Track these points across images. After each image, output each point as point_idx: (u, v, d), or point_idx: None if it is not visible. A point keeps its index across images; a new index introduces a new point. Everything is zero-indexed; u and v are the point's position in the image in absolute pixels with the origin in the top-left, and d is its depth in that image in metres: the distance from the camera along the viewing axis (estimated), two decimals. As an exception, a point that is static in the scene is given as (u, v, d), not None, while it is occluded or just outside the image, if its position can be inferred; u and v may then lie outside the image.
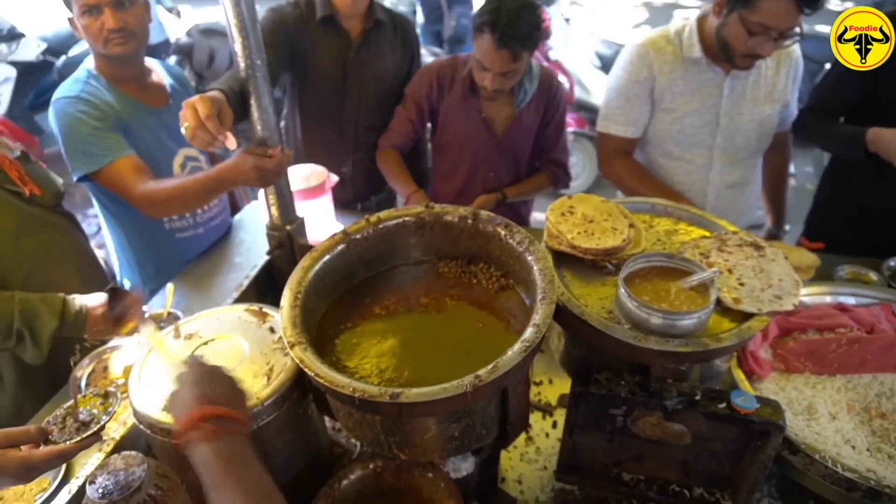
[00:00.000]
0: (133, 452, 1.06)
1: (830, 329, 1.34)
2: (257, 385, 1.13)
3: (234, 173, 1.56)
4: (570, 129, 4.41)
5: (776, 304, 1.09)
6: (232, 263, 1.99)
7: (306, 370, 1.01)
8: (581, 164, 4.68)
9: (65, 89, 1.77)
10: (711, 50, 1.78)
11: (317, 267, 1.24)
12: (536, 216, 2.78)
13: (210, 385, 0.92)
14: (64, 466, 1.30)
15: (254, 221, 2.21)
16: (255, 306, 1.33)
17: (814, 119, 1.90)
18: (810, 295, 1.49)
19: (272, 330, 1.25)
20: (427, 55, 4.43)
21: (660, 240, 1.30)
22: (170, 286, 1.69)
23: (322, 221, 1.93)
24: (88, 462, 1.20)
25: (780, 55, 1.84)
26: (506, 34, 1.77)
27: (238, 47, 1.43)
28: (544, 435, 1.47)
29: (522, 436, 1.47)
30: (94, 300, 1.51)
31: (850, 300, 1.46)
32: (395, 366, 1.11)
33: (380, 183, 2.36)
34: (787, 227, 2.21)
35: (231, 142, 1.44)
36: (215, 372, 0.95)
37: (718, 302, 1.12)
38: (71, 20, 1.77)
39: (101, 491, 0.98)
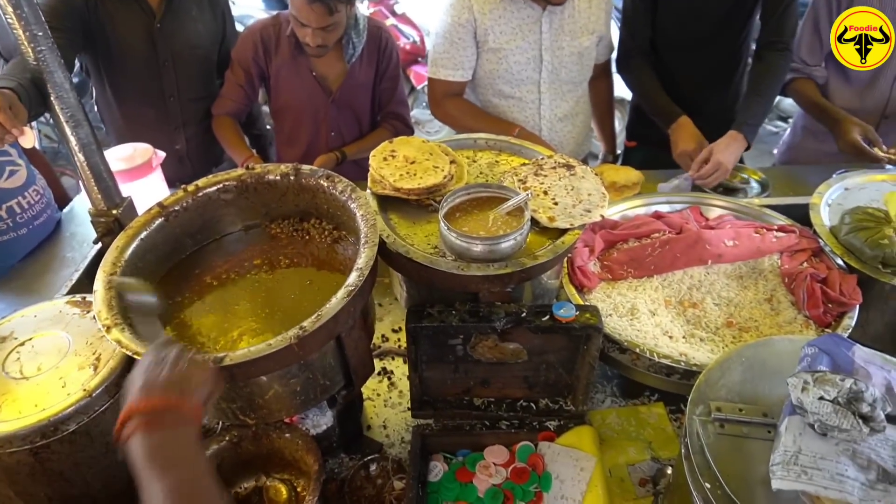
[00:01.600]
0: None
1: (647, 235, 1.46)
2: (84, 376, 1.07)
3: None
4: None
5: (586, 217, 1.17)
6: (62, 259, 1.84)
7: (125, 351, 0.96)
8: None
9: None
10: None
11: (133, 245, 1.17)
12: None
13: (156, 373, 0.82)
14: None
15: (84, 212, 2.05)
16: (78, 297, 1.25)
17: (636, 70, 2.10)
18: (632, 208, 1.61)
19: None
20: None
21: (482, 173, 1.34)
22: None
23: (156, 201, 1.82)
24: None
25: None
26: None
27: (12, 20, 1.29)
28: (406, 379, 1.50)
29: (385, 382, 1.50)
30: None
31: (665, 207, 1.59)
32: (229, 332, 1.09)
33: (219, 154, 2.25)
34: (619, 151, 2.36)
35: (27, 138, 1.32)
36: (171, 357, 0.85)
37: (536, 223, 1.18)
38: None
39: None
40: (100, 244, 1.62)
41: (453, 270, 1.08)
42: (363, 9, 4.90)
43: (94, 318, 1.17)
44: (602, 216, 1.18)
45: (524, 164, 1.33)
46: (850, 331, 1.24)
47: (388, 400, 1.45)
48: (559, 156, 1.33)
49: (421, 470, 1.19)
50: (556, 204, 1.20)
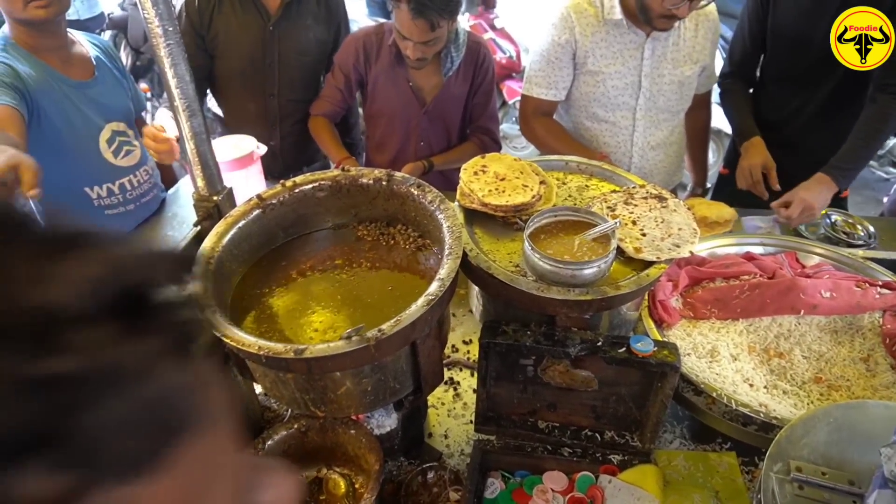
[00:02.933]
0: None
1: (736, 277, 1.40)
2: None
3: None
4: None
5: (674, 252, 1.14)
6: (163, 238, 1.97)
7: (215, 331, 1.02)
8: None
9: None
10: (631, 12, 1.81)
11: (231, 232, 1.24)
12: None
13: None
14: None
15: (187, 195, 2.18)
16: (176, 276, 1.33)
17: (730, 92, 2.05)
18: (722, 246, 1.55)
19: (191, 297, 1.25)
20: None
21: (571, 196, 1.34)
22: None
23: (253, 192, 1.92)
24: None
25: (699, 17, 1.88)
26: (421, 3, 1.77)
27: (149, 14, 1.40)
28: (472, 391, 1.51)
29: (451, 392, 1.51)
30: None
31: (758, 249, 1.53)
32: (309, 326, 1.14)
33: (313, 154, 2.34)
34: (709, 185, 2.28)
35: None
36: None
37: (621, 252, 1.16)
38: None
39: None
40: (199, 227, 1.72)
41: (533, 291, 1.08)
42: (463, 22, 4.98)
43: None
44: (691, 252, 1.15)
45: (614, 192, 1.31)
46: (954, 404, 1.15)
47: (451, 410, 1.47)
48: (651, 186, 1.30)
49: (478, 484, 1.19)
50: (643, 235, 1.18)
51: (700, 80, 1.98)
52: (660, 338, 1.32)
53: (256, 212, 1.29)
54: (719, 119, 2.27)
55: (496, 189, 1.27)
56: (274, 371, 1.07)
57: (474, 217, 1.27)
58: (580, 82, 1.92)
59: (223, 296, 1.16)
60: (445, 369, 1.57)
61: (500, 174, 1.31)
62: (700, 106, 2.10)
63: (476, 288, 1.34)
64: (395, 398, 1.15)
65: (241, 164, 1.85)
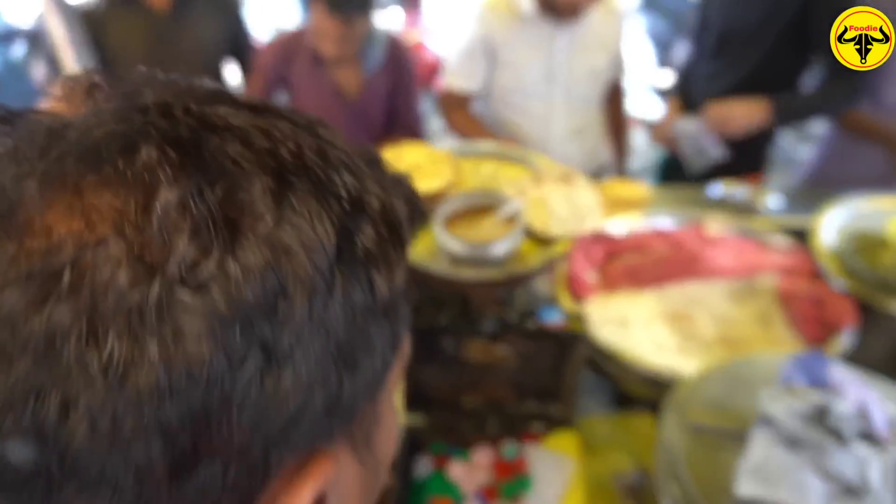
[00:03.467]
0: None
1: (647, 249, 1.47)
2: None
3: None
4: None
5: (579, 227, 1.20)
6: None
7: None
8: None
9: None
10: (542, 4, 1.88)
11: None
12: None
13: None
14: None
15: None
16: None
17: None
18: (634, 222, 1.63)
19: None
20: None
21: (484, 181, 1.39)
22: None
23: None
24: None
25: (607, 7, 1.96)
26: (335, 0, 1.80)
27: (54, 25, 1.39)
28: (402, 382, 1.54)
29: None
30: None
31: (667, 223, 1.61)
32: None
33: None
34: (637, 167, 2.38)
35: None
36: None
37: (531, 231, 1.22)
38: None
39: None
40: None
41: (445, 273, 1.12)
42: (392, 18, 5.00)
43: None
44: (596, 227, 1.21)
45: (525, 175, 1.37)
46: (841, 352, 1.24)
47: (385, 398, 1.50)
48: (559, 167, 1.36)
49: (408, 466, 1.23)
50: (552, 214, 1.24)
51: (611, 69, 2.06)
52: (576, 312, 1.38)
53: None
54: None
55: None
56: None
57: (390, 206, 1.31)
58: (497, 75, 1.98)
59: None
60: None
61: (415, 163, 1.35)
62: (615, 94, 2.19)
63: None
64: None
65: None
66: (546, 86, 1.97)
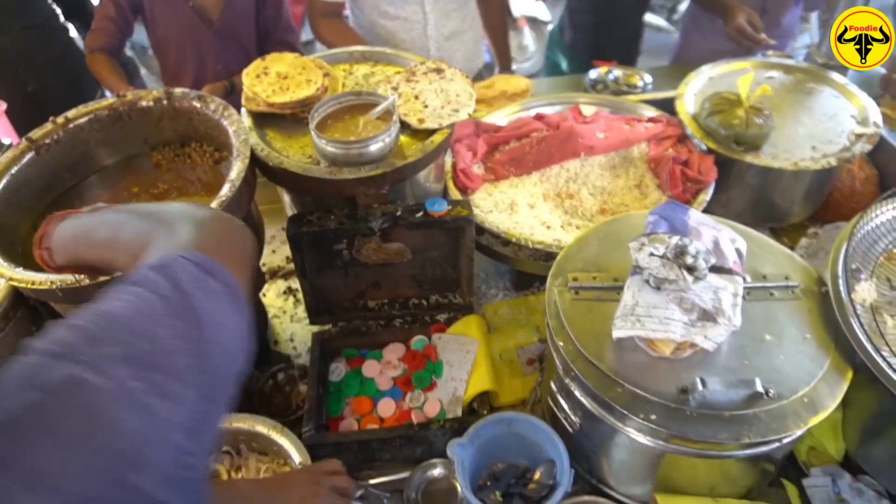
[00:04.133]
0: None
1: (527, 135, 1.52)
2: (-32, 314, 1.07)
3: None
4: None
5: (454, 117, 1.22)
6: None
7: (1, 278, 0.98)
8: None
9: None
10: None
11: (4, 180, 1.16)
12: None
13: None
14: None
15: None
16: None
17: None
18: (515, 112, 1.67)
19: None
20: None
21: (358, 83, 1.37)
22: None
23: None
24: None
25: None
26: None
27: None
28: (311, 294, 1.56)
29: (291, 300, 1.55)
30: None
31: (548, 109, 1.66)
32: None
33: (91, 94, 2.18)
34: (514, 67, 2.39)
35: None
36: None
37: (406, 126, 1.23)
38: None
39: None
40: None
41: (326, 176, 1.12)
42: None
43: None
44: (469, 115, 1.23)
45: (398, 73, 1.36)
46: (705, 206, 1.35)
47: (293, 315, 1.51)
48: (431, 62, 1.36)
49: (322, 371, 1.26)
50: (426, 107, 1.24)
51: None
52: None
53: (29, 155, 1.20)
54: (535, 7, 2.35)
55: (280, 88, 1.27)
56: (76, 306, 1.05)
57: (265, 120, 1.27)
58: None
59: (14, 248, 1.10)
60: (281, 280, 1.60)
61: (283, 73, 1.30)
62: None
63: (286, 194, 1.36)
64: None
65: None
66: None
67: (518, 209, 1.40)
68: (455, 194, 1.43)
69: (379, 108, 1.19)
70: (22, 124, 1.65)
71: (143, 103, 1.27)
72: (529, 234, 1.34)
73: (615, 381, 0.91)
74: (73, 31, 2.37)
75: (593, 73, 2.00)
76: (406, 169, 1.16)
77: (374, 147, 1.13)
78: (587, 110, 1.63)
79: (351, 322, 1.34)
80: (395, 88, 1.29)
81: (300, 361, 1.40)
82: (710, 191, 1.38)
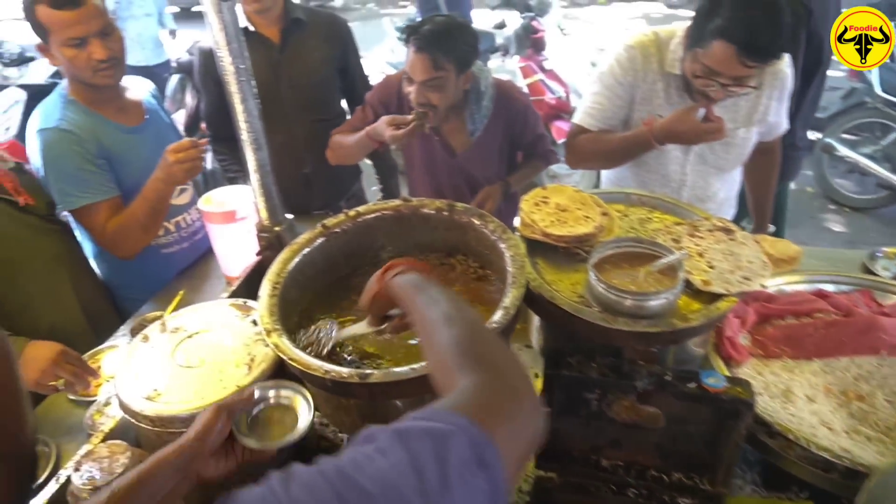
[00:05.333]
0: (118, 441, 1.09)
1: (808, 314, 1.35)
2: (239, 374, 1.15)
3: (164, 174, 1.70)
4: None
5: (744, 285, 1.11)
6: (218, 271, 2.01)
7: (281, 354, 1.04)
8: (579, 173, 4.69)
9: (44, 118, 1.74)
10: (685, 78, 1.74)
11: (296, 259, 1.27)
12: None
13: None
14: (54, 457, 1.33)
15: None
16: (240, 301, 1.36)
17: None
18: (790, 283, 1.49)
19: (255, 323, 1.27)
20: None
21: (633, 228, 1.32)
22: (181, 292, 1.78)
23: (232, 249, 1.90)
24: (77, 454, 1.22)
25: (765, 77, 1.75)
26: (425, 38, 1.79)
27: (223, 53, 1.47)
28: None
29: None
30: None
31: (830, 287, 1.46)
32: (372, 354, 1.14)
33: (347, 181, 2.42)
34: (771, 228, 2.19)
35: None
36: None
37: (689, 285, 1.14)
38: (41, 46, 1.70)
39: (85, 477, 1.01)
40: (261, 257, 1.77)
41: (599, 322, 1.06)
42: (513, 64, 5.05)
43: (252, 321, 1.28)
44: (762, 286, 1.11)
45: (678, 224, 1.29)
46: None
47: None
48: (717, 219, 1.27)
49: (538, 524, 1.15)
50: (711, 268, 1.15)
51: (762, 134, 1.89)
52: (728, 375, 1.27)
53: (320, 240, 1.31)
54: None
55: (558, 220, 1.26)
56: (337, 397, 1.07)
57: (536, 248, 1.27)
58: (632, 126, 1.87)
59: (289, 322, 1.18)
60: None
61: (562, 205, 1.30)
62: (765, 152, 1.99)
63: (537, 321, 1.32)
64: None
65: (224, 220, 1.84)
66: (681, 151, 1.83)
67: (794, 399, 1.21)
68: (717, 362, 1.28)
69: (664, 261, 1.12)
70: (289, 204, 1.84)
71: (426, 210, 1.34)
72: (810, 433, 1.14)
73: None
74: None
75: (879, 253, 1.76)
76: (686, 332, 1.06)
77: (656, 303, 1.06)
78: (884, 298, 1.41)
79: (578, 476, 1.23)
80: (676, 241, 1.22)
81: (508, 500, 1.30)
82: None
